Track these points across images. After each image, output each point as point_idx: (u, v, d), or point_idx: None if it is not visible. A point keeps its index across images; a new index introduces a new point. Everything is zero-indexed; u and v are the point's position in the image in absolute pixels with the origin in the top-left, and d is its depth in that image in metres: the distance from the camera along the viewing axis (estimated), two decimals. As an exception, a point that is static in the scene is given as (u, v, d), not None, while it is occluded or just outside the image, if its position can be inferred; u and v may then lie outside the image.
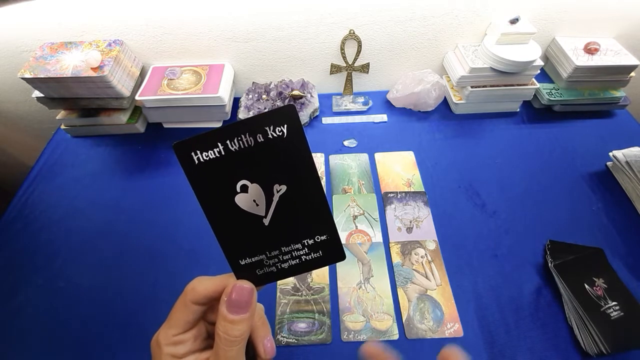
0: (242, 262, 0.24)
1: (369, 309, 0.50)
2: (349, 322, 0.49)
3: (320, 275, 0.53)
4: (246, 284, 0.23)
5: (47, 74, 0.62)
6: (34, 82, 0.64)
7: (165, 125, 0.76)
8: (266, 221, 0.24)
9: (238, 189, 0.23)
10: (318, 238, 0.25)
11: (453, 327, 0.48)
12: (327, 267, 0.54)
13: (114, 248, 0.57)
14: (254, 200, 0.23)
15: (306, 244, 0.25)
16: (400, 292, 0.51)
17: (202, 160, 0.22)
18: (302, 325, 0.48)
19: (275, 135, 0.22)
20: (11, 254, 0.58)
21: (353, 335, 0.47)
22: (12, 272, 0.55)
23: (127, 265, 0.55)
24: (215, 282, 0.24)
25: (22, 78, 0.62)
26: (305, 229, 0.24)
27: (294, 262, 0.25)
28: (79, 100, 0.68)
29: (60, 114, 0.72)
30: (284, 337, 0.47)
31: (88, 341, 0.48)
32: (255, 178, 0.23)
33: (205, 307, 0.25)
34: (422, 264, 0.54)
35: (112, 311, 0.51)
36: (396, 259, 0.54)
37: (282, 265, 0.25)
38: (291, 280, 0.52)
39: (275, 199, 0.23)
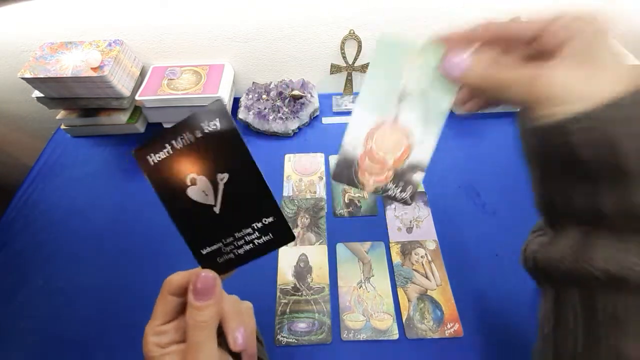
0: (204, 252, 0.27)
1: (369, 308, 0.50)
2: (349, 321, 0.49)
3: (320, 275, 0.53)
4: (210, 273, 0.26)
5: (47, 74, 0.62)
6: (34, 82, 0.64)
7: (165, 125, 0.76)
8: (217, 209, 0.25)
9: (188, 182, 0.25)
10: (265, 220, 0.26)
11: (453, 327, 0.48)
12: (327, 267, 0.54)
13: (114, 248, 0.57)
14: (203, 191, 0.25)
15: (255, 227, 0.26)
16: (400, 292, 0.51)
17: (155, 161, 0.25)
18: (302, 325, 0.48)
19: (210, 129, 0.24)
20: (11, 254, 0.58)
21: (353, 335, 0.47)
22: (12, 272, 0.56)
23: (127, 265, 0.55)
24: (186, 275, 0.27)
25: (22, 78, 0.62)
26: (252, 213, 0.26)
27: (248, 247, 0.26)
28: (79, 100, 0.68)
29: (60, 114, 0.72)
30: (284, 337, 0.47)
31: (88, 341, 0.48)
32: (200, 170, 0.25)
33: (181, 298, 0.27)
34: (422, 264, 0.54)
35: (112, 311, 0.51)
36: (396, 258, 0.54)
37: (239, 251, 0.26)
38: (291, 280, 0.52)
39: (221, 187, 0.25)
